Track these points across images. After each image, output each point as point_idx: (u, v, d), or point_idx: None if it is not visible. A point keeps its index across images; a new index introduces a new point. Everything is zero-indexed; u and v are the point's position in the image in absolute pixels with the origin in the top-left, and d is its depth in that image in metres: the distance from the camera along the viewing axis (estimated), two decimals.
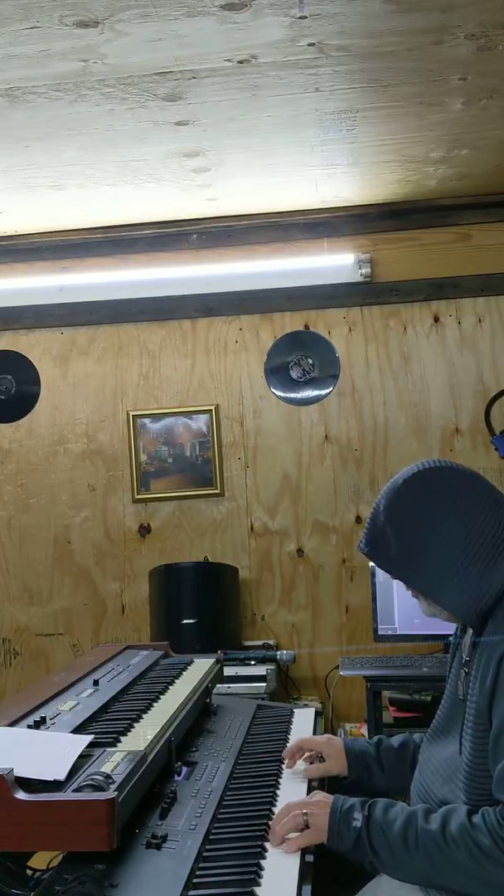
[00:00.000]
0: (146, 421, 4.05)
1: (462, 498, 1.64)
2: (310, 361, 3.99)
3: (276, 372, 4.01)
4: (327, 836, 1.53)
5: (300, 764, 1.95)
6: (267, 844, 1.53)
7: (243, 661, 3.49)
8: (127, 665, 2.33)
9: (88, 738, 1.59)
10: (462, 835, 1.44)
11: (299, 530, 3.97)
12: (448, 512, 1.63)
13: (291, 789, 1.82)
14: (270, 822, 1.61)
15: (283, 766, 1.94)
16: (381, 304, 3.97)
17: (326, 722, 3.75)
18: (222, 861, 1.45)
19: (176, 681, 2.23)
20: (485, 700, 1.54)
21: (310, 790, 1.84)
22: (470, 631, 1.69)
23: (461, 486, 1.67)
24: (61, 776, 1.41)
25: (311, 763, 1.94)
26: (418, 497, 1.66)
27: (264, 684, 3.38)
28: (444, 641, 3.42)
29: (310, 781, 1.88)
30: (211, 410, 4.01)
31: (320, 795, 1.62)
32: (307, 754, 1.96)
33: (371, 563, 3.54)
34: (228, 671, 3.21)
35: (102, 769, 1.43)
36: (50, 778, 1.40)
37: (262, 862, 1.46)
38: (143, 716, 1.87)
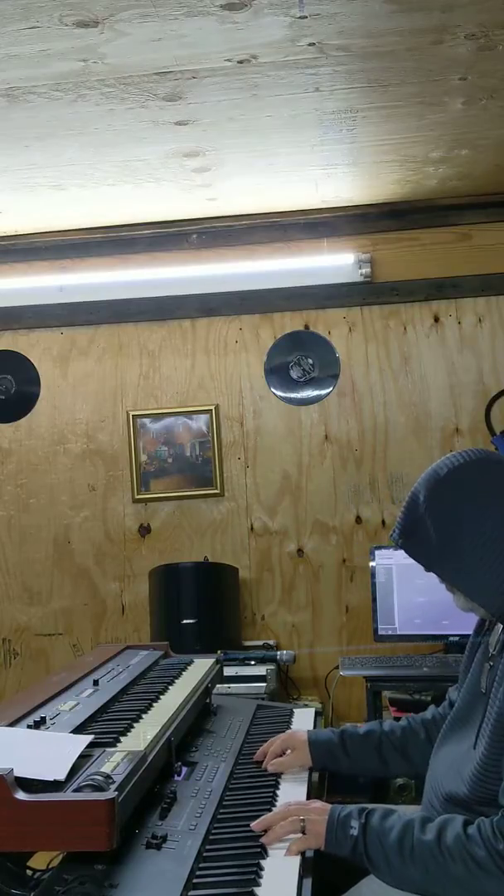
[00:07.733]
0: (146, 421, 4.05)
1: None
2: (310, 361, 3.99)
3: (276, 372, 4.01)
4: (325, 843, 1.53)
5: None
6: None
7: (243, 661, 3.49)
8: (127, 665, 2.33)
9: (88, 738, 1.59)
10: (457, 846, 1.44)
11: (299, 530, 3.97)
12: (491, 508, 1.61)
13: (291, 789, 1.82)
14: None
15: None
16: (381, 304, 3.96)
17: (326, 722, 3.74)
18: (222, 861, 1.45)
19: (176, 681, 2.23)
20: None
21: (309, 790, 1.84)
22: (499, 627, 1.68)
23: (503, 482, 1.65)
24: (61, 776, 1.41)
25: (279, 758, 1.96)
26: (461, 490, 1.63)
27: (264, 684, 3.38)
28: (445, 641, 3.42)
29: (309, 781, 1.88)
30: (211, 410, 4.01)
31: (318, 803, 1.62)
32: (272, 749, 1.97)
33: (371, 563, 3.55)
34: (228, 671, 3.20)
35: (102, 769, 1.42)
36: (50, 778, 1.40)
37: (262, 862, 1.46)
38: (143, 716, 1.87)
